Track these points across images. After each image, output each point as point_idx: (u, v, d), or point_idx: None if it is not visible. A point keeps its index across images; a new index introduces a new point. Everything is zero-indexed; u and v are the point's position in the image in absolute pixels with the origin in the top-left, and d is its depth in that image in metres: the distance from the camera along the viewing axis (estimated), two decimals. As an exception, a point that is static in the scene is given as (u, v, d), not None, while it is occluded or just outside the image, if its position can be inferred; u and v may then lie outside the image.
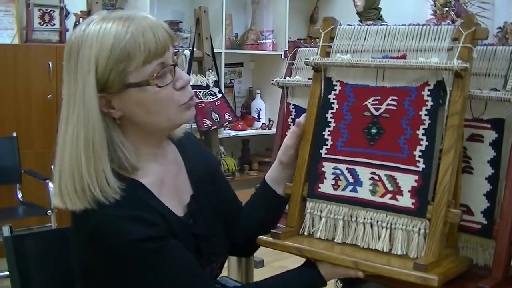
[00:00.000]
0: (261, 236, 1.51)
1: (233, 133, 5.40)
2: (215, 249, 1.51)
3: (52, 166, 1.40)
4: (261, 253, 1.70)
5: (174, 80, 1.37)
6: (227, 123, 4.59)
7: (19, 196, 4.19)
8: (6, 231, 1.58)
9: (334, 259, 1.40)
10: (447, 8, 5.22)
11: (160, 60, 1.34)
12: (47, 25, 4.62)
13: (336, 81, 1.54)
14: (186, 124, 1.51)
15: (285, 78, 2.09)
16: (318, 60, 1.56)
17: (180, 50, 1.27)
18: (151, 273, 1.30)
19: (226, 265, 2.01)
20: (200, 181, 1.55)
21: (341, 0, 5.94)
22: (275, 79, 2.10)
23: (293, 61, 2.09)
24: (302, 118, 1.58)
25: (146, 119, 1.37)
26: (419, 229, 1.37)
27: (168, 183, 1.45)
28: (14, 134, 4.18)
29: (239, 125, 5.47)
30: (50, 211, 3.91)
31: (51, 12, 4.65)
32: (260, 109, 5.77)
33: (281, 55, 5.29)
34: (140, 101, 1.34)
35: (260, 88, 5.85)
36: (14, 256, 1.57)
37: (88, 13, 4.27)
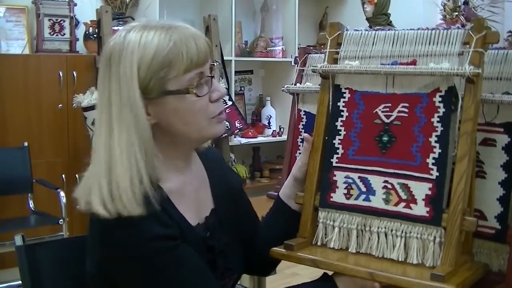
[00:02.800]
0: (274, 248, 1.49)
1: (244, 140, 5.39)
2: (230, 265, 1.51)
3: (83, 173, 1.38)
4: (273, 260, 1.70)
5: (210, 92, 1.39)
6: (238, 130, 4.60)
7: (30, 206, 4.20)
8: (18, 241, 1.58)
9: (349, 270, 1.39)
10: (456, 13, 5.20)
11: (200, 70, 1.36)
12: (57, 35, 4.64)
13: (345, 89, 1.52)
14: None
15: (295, 84, 2.09)
16: (325, 67, 1.54)
17: (216, 64, 1.30)
18: (162, 272, 1.31)
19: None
20: (223, 197, 1.56)
21: (351, 6, 5.95)
22: (285, 86, 2.09)
23: (303, 68, 2.08)
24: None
25: (179, 127, 1.39)
26: (435, 237, 1.35)
27: (188, 194, 1.46)
28: (26, 144, 4.20)
29: (250, 133, 5.47)
30: (61, 220, 3.92)
31: (61, 22, 4.66)
32: (271, 116, 5.77)
33: (291, 61, 5.29)
34: (176, 109, 1.36)
35: (270, 95, 5.85)
36: (27, 265, 1.57)
37: (97, 22, 4.29)
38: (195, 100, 1.36)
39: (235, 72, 5.38)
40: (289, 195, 1.60)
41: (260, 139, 5.61)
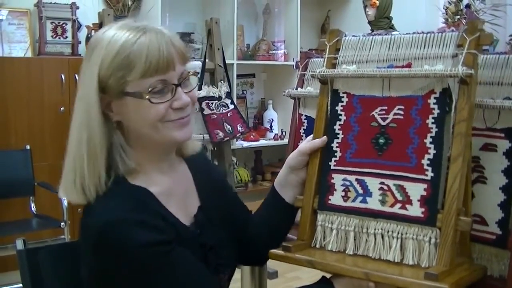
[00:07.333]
0: (272, 250, 1.51)
1: (245, 144, 5.39)
2: (222, 260, 1.52)
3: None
4: (274, 264, 1.70)
5: (172, 99, 1.38)
6: (240, 134, 4.59)
7: (32, 209, 4.20)
8: (19, 245, 1.58)
9: (345, 271, 1.40)
10: (458, 16, 5.20)
11: (161, 77, 1.36)
12: (59, 38, 4.65)
13: (343, 93, 1.54)
14: (196, 143, 1.56)
15: (296, 89, 2.09)
16: (324, 72, 1.56)
17: (193, 71, 1.31)
18: (158, 278, 1.31)
19: (239, 276, 2.01)
20: (208, 193, 1.57)
21: (353, 9, 5.95)
22: (286, 90, 2.10)
23: (305, 72, 2.08)
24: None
25: (139, 128, 1.40)
26: (430, 238, 1.36)
27: (176, 194, 1.48)
28: (28, 147, 4.21)
29: (252, 136, 5.47)
30: (63, 223, 3.92)
31: (64, 25, 4.67)
32: (273, 120, 5.77)
33: (293, 65, 5.29)
34: (134, 110, 1.38)
35: (272, 98, 5.84)
36: (28, 269, 1.57)
37: (100, 25, 4.29)
38: (151, 105, 1.36)
39: (237, 75, 5.38)
40: (281, 184, 1.62)
41: (262, 142, 5.61)
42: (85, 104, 1.38)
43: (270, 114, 5.80)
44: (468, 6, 5.23)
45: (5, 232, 3.87)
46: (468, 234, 1.41)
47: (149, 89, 1.35)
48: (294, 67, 2.19)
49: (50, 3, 4.63)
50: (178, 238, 1.37)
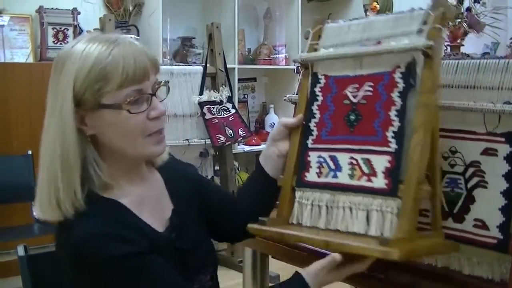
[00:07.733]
0: (250, 224, 1.54)
1: (247, 148, 5.38)
2: (202, 261, 1.54)
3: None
4: (276, 268, 1.69)
5: (149, 109, 1.39)
6: (241, 138, 4.59)
7: (34, 214, 4.20)
8: (20, 251, 1.59)
9: (306, 239, 1.46)
10: (459, 20, 5.20)
11: (137, 87, 1.37)
12: (61, 44, 4.65)
13: (321, 75, 1.61)
14: (163, 155, 1.56)
15: (297, 94, 2.09)
16: (303, 56, 1.64)
17: (164, 81, 1.34)
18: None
19: (240, 280, 2.01)
20: (181, 194, 1.58)
21: (354, 13, 5.95)
22: (287, 95, 2.10)
23: (305, 77, 2.09)
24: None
25: (114, 142, 1.40)
26: (392, 208, 1.38)
27: (148, 201, 1.49)
28: (29, 152, 4.20)
29: (253, 140, 5.46)
30: (65, 228, 3.92)
31: (65, 31, 4.68)
32: (274, 124, 5.75)
33: (294, 69, 5.29)
34: (111, 123, 1.38)
35: (273, 102, 5.85)
36: (29, 275, 1.58)
37: (101, 31, 4.30)
38: (129, 116, 1.36)
39: (238, 79, 5.37)
40: (265, 157, 1.68)
41: (263, 146, 5.57)
42: (59, 119, 1.38)
43: (272, 118, 5.79)
44: (468, 9, 5.22)
45: (7, 237, 3.88)
46: (439, 207, 1.42)
47: (127, 100, 1.35)
48: (295, 72, 2.20)
49: (52, 8, 4.64)
50: (153, 246, 1.38)
